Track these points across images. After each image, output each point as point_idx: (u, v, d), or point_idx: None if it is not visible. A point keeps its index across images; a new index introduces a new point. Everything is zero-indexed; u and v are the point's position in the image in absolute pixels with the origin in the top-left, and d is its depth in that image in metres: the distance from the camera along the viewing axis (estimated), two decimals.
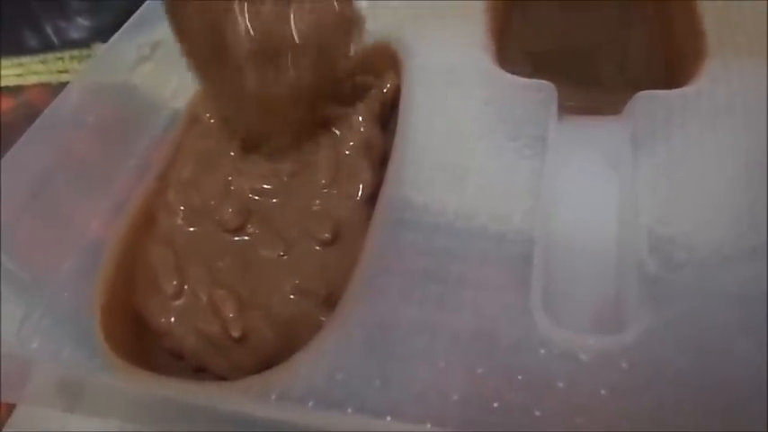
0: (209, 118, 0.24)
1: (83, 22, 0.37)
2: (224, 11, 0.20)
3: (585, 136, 0.22)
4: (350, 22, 0.21)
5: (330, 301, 0.19)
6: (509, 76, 0.23)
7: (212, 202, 0.21)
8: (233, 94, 0.21)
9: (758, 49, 0.22)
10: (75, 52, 0.37)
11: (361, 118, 0.22)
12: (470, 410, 0.15)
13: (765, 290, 0.16)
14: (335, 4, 0.21)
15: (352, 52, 0.21)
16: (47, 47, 0.37)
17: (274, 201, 0.22)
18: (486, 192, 0.19)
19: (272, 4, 0.20)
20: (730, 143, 0.20)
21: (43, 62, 0.37)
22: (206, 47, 0.20)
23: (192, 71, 0.21)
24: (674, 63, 0.25)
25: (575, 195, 0.20)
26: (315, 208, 0.21)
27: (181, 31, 0.21)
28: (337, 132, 0.22)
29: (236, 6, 0.20)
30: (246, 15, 0.20)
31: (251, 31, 0.20)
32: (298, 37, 0.20)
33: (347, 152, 0.22)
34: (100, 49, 0.36)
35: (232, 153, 0.23)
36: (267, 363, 0.17)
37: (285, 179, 0.22)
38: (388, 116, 0.24)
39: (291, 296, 0.20)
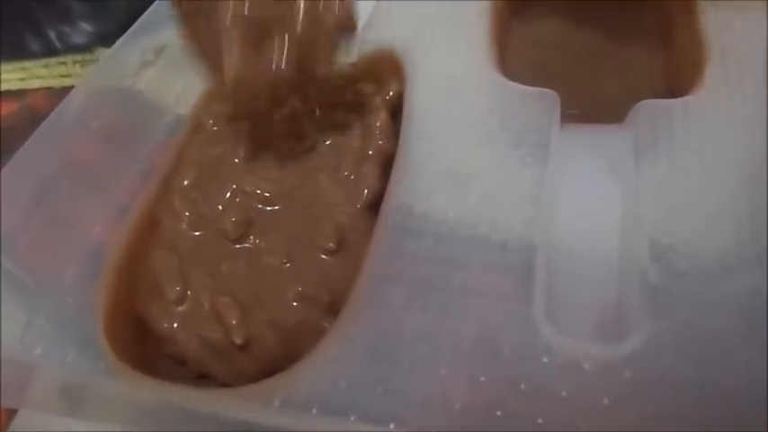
0: (213, 125, 0.24)
1: (86, 26, 0.37)
2: None
3: (588, 144, 0.22)
4: (344, 19, 0.21)
5: (333, 309, 0.19)
6: (512, 84, 0.23)
7: (216, 210, 0.21)
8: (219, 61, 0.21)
9: (759, 58, 0.22)
10: (78, 57, 0.37)
11: (378, 123, 0.22)
12: (473, 419, 0.15)
13: (766, 298, 0.17)
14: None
15: (343, 54, 0.22)
16: (50, 51, 0.37)
17: (277, 208, 0.22)
18: (488, 200, 0.19)
19: None
20: (731, 152, 0.20)
21: (46, 66, 0.37)
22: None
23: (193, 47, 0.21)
24: (675, 72, 0.25)
25: (577, 204, 0.20)
26: (318, 215, 0.21)
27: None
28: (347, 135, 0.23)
29: None
30: None
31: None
32: (288, 16, 0.20)
33: (352, 157, 0.22)
34: (103, 53, 0.36)
35: (236, 160, 0.23)
36: (270, 370, 0.17)
37: (289, 187, 0.22)
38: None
39: (294, 303, 0.20)
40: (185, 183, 0.22)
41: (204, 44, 0.21)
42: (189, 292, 0.20)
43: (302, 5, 0.20)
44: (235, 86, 0.21)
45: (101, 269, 0.20)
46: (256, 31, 0.20)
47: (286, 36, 0.20)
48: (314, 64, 0.21)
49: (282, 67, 0.20)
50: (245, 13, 0.20)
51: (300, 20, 0.20)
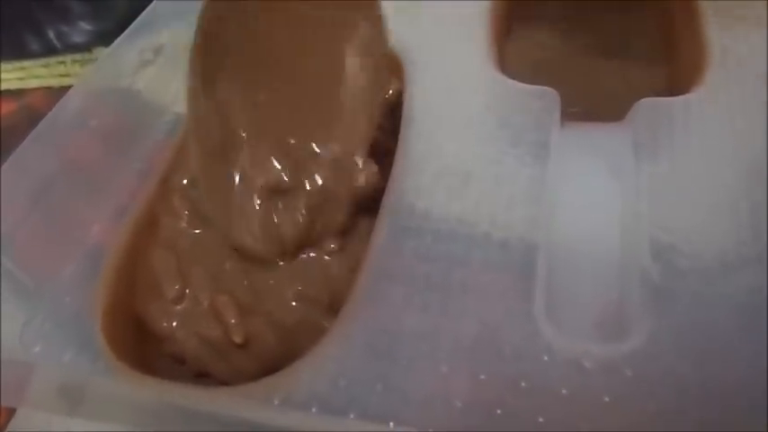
0: None
1: (85, 26, 0.37)
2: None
3: (588, 143, 0.22)
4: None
5: (333, 308, 0.19)
6: (511, 82, 0.23)
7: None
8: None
9: (759, 58, 0.22)
10: (78, 56, 0.37)
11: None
12: (473, 417, 0.15)
13: (767, 297, 0.17)
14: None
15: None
16: (49, 51, 0.37)
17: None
18: (488, 198, 0.19)
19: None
20: (732, 150, 0.20)
21: (45, 66, 0.37)
22: (215, 138, 0.20)
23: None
24: (675, 71, 0.25)
25: (577, 202, 0.20)
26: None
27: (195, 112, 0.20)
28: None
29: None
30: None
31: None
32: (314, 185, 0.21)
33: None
34: (102, 53, 0.36)
35: None
36: (269, 368, 0.17)
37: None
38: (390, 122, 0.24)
39: (294, 302, 0.20)
40: (184, 181, 0.22)
41: (219, 196, 0.21)
42: (188, 291, 0.20)
43: (319, 181, 0.21)
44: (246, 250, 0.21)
45: (99, 268, 0.19)
46: (270, 196, 0.21)
47: (301, 204, 0.21)
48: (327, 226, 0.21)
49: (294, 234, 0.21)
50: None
51: (316, 192, 0.21)
